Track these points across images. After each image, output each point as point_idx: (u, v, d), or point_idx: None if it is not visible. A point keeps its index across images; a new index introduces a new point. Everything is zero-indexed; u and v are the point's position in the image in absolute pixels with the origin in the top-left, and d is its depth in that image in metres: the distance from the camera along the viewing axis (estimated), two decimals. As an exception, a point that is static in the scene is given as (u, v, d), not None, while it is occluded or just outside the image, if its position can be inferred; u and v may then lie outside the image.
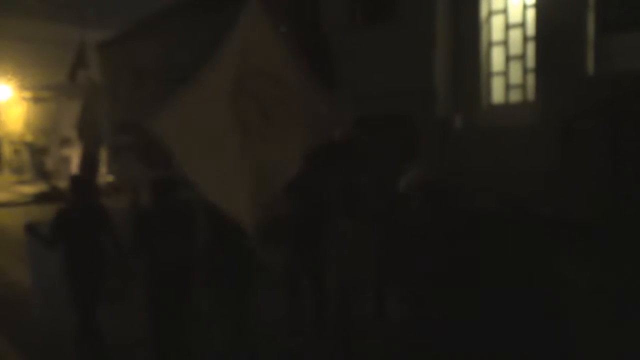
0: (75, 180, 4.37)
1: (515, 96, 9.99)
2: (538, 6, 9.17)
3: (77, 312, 4.09)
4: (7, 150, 34.81)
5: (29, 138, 30.47)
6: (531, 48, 9.55)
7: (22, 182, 27.39)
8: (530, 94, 9.63)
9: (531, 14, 9.47)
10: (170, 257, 3.71)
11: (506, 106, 10.07)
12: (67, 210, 4.16)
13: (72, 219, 4.08)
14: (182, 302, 3.81)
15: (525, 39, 9.73)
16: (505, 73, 10.08)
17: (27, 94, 30.82)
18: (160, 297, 3.74)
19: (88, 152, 6.18)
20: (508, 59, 10.03)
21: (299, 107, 3.14)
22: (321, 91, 3.30)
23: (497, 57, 10.20)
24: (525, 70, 9.77)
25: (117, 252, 4.18)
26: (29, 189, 22.39)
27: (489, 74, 10.25)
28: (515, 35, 9.91)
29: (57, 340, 4.57)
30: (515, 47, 9.93)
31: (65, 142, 28.89)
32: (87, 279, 4.05)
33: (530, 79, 9.62)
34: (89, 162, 6.07)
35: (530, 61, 9.59)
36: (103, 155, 19.04)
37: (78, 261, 4.03)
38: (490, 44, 10.22)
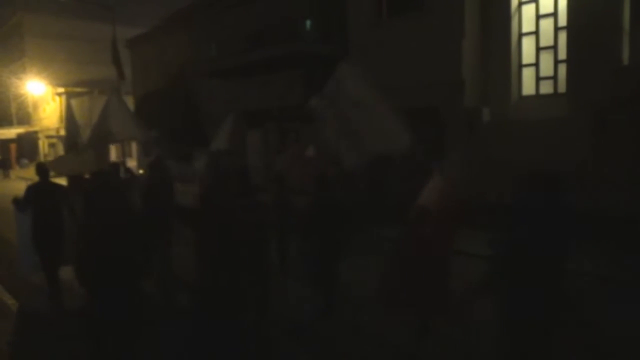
0: (38, 165, 6.06)
1: (546, 88, 9.81)
2: (570, -5, 8.97)
3: (43, 265, 5.68)
4: (44, 144, 36.03)
5: (64, 132, 31.41)
6: (563, 38, 9.34)
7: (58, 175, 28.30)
8: (562, 86, 9.44)
9: (563, 3, 9.26)
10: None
11: (537, 98, 9.89)
12: (33, 186, 5.81)
13: (36, 193, 5.72)
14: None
15: (556, 29, 9.52)
16: (536, 64, 9.89)
17: (62, 90, 31.75)
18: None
19: (68, 146, 7.84)
20: (539, 49, 9.85)
21: None
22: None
23: (527, 48, 10.01)
24: (556, 62, 9.58)
25: (72, 219, 5.70)
26: (64, 182, 23.06)
27: (519, 66, 10.08)
28: (547, 26, 9.71)
29: (36, 285, 6.16)
30: (547, 37, 9.72)
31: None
32: (45, 237, 5.61)
33: (562, 70, 9.42)
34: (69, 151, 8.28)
35: (562, 52, 9.39)
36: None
37: (39, 223, 5.64)
38: (520, 35, 10.05)
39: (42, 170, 5.92)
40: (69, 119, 9.19)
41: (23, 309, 5.91)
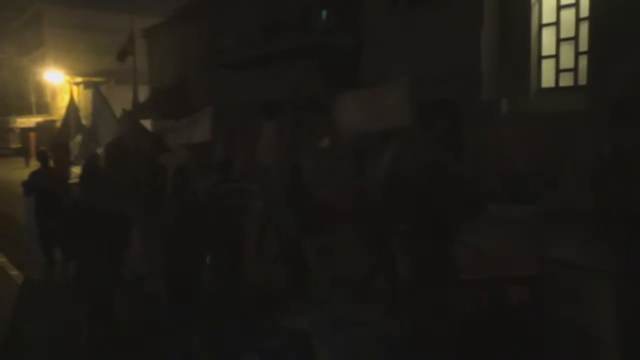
0: (39, 153, 6.96)
1: (566, 80, 9.61)
2: (593, -15, 8.74)
3: (41, 241, 6.54)
4: (62, 134, 36.51)
5: (82, 121, 31.80)
6: (584, 29, 9.13)
7: (75, 163, 28.69)
8: (582, 78, 9.24)
9: (585, -7, 9.04)
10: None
11: (556, 90, 9.71)
12: (36, 172, 6.65)
13: (37, 178, 6.52)
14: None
15: (578, 20, 9.31)
16: (556, 56, 9.69)
17: (80, 79, 32.09)
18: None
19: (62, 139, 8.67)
20: (559, 41, 9.64)
21: None
22: None
23: (547, 40, 9.81)
24: (577, 53, 9.37)
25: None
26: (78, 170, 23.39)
27: (539, 57, 9.89)
28: (568, 16, 9.50)
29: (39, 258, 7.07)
30: (567, 28, 9.51)
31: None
32: (45, 219, 6.32)
33: (583, 62, 9.22)
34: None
35: (583, 43, 9.19)
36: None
37: (40, 206, 6.41)
38: (540, 26, 9.84)
39: (43, 157, 6.71)
40: (71, 109, 9.07)
41: (27, 280, 6.78)
